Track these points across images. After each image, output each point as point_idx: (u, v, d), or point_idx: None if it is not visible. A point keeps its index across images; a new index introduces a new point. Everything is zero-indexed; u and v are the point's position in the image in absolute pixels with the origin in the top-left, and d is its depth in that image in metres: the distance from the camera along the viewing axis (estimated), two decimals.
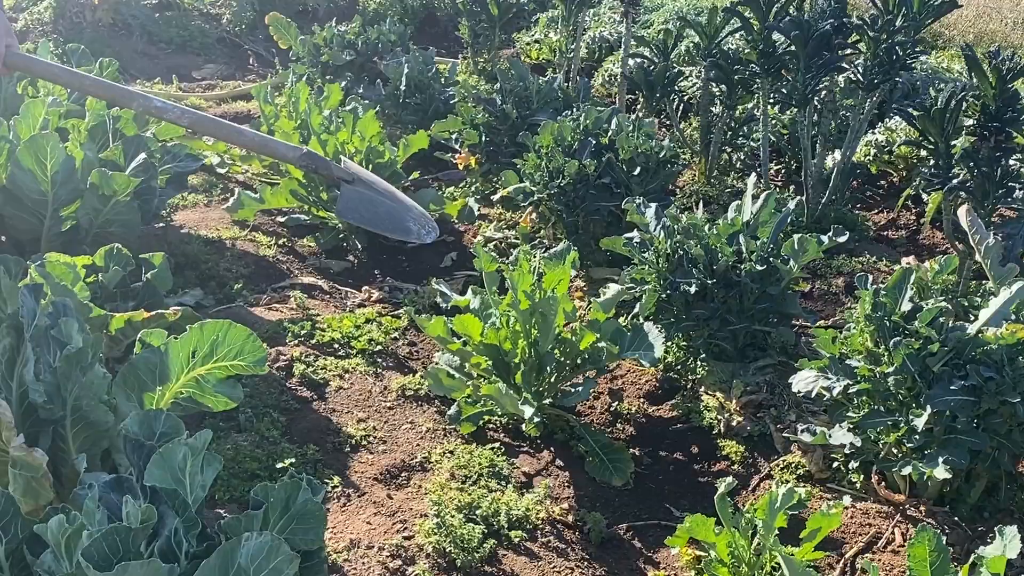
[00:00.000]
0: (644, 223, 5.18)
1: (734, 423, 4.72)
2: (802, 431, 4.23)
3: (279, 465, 4.20)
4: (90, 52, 7.11)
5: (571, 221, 5.95)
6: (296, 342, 5.18)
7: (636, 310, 5.28)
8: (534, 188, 6.03)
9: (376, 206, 6.01)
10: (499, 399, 4.51)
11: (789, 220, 5.10)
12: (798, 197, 5.02)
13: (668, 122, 8.33)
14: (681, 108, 8.16)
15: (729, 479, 3.69)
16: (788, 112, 6.54)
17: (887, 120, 7.75)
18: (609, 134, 6.05)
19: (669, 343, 5.08)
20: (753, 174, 5.12)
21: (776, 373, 4.97)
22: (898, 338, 3.94)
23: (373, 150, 6.74)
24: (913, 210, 7.68)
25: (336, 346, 5.22)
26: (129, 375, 3.68)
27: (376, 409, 4.78)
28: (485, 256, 4.95)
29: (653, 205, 5.26)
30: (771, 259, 4.83)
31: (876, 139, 7.84)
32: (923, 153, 7.86)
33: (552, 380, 4.80)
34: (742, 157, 7.82)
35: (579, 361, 4.89)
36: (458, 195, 7.34)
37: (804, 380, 4.26)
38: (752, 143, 8.03)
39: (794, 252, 4.77)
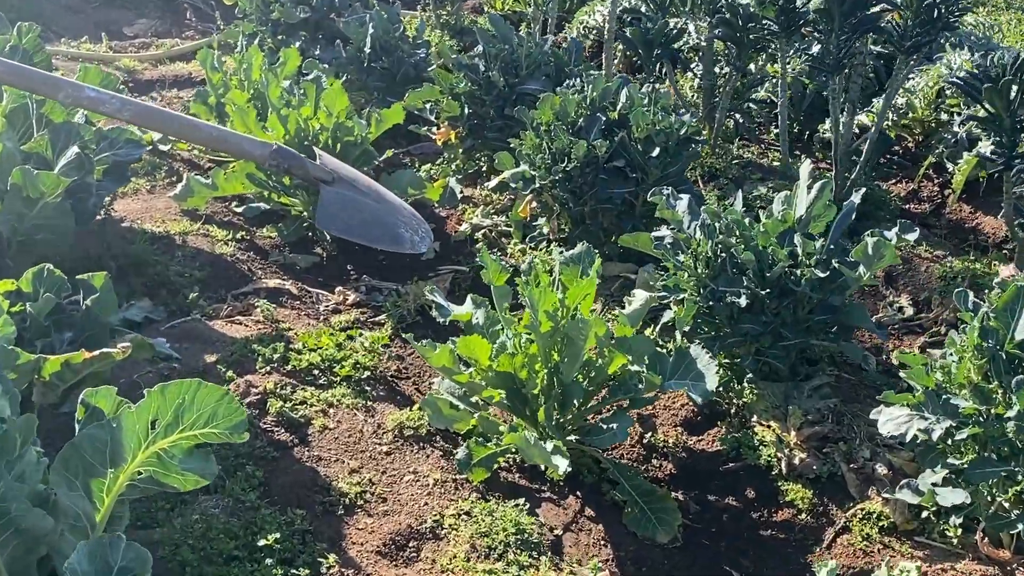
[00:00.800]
0: (676, 219, 4.41)
1: (796, 461, 4.00)
2: (901, 487, 3.53)
3: (260, 543, 3.40)
4: (9, 4, 6.10)
5: (578, 211, 5.15)
6: (268, 368, 4.35)
7: (664, 321, 4.53)
8: (535, 173, 5.21)
9: (360, 210, 5.10)
10: (526, 450, 3.74)
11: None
12: (862, 189, 4.29)
13: (653, 82, 7.53)
14: (677, 69, 7.36)
15: (831, 565, 2.97)
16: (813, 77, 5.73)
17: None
18: (619, 108, 5.24)
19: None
20: (807, 161, 4.35)
21: (838, 397, 4.26)
22: (1021, 376, 3.23)
23: (341, 127, 5.86)
24: (936, 180, 7.00)
25: (316, 372, 4.40)
26: (72, 458, 2.88)
27: (370, 455, 3.98)
28: (494, 266, 4.15)
29: (685, 197, 4.49)
30: (835, 263, 4.09)
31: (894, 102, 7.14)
32: (944, 117, 7.19)
33: (576, 411, 4.04)
34: (739, 120, 7.04)
35: (606, 388, 4.15)
36: (436, 174, 6.49)
37: (894, 420, 3.54)
38: (752, 105, 7.27)
39: (867, 257, 4.03)
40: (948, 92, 7.25)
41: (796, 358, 4.35)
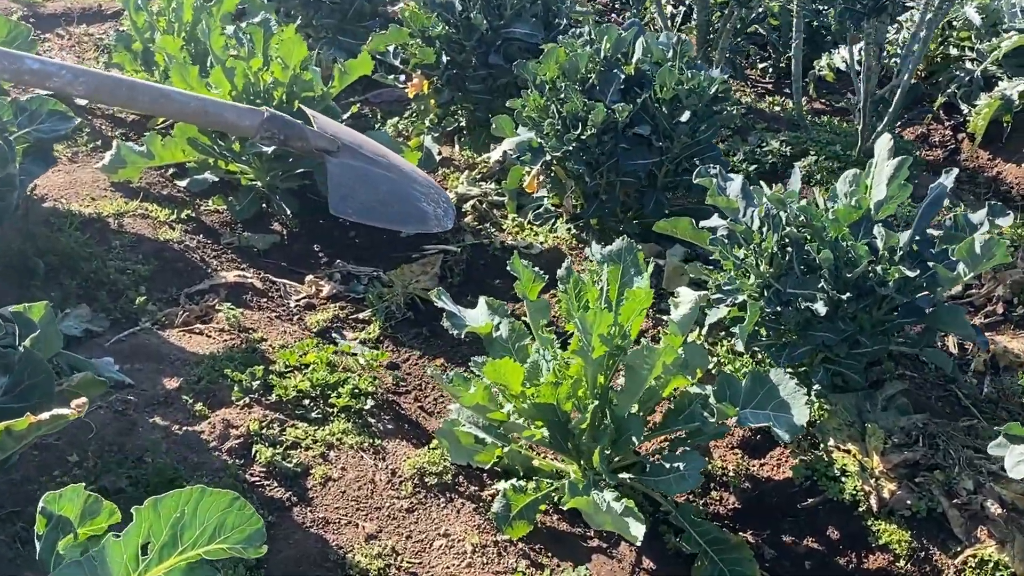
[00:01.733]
0: (731, 207, 3.72)
1: (886, 494, 3.41)
2: None
3: None
4: None
5: (593, 185, 4.42)
6: (247, 400, 3.57)
7: (710, 322, 3.88)
8: (541, 141, 4.44)
9: (376, 185, 4.16)
10: (594, 516, 3.06)
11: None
12: (954, 171, 3.64)
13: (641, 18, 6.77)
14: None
15: None
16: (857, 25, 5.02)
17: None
18: (634, 61, 4.48)
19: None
20: (885, 134, 3.67)
21: (923, 412, 3.67)
22: None
23: (299, 80, 4.99)
24: (946, 123, 6.42)
25: (307, 402, 3.64)
26: None
27: (389, 513, 3.27)
28: (526, 274, 3.43)
29: (737, 179, 3.80)
30: (929, 263, 3.46)
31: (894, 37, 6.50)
32: (953, 52, 6.59)
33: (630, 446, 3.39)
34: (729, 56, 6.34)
35: (658, 412, 3.51)
36: (406, 131, 5.68)
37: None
38: (745, 42, 6.58)
39: (972, 256, 3.39)
40: (956, 24, 6.65)
41: (867, 364, 3.74)
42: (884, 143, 3.64)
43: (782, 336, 3.66)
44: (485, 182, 5.18)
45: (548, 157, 4.33)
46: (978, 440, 3.60)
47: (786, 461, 3.65)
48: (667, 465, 3.27)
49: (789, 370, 3.73)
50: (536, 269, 3.46)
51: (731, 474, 3.63)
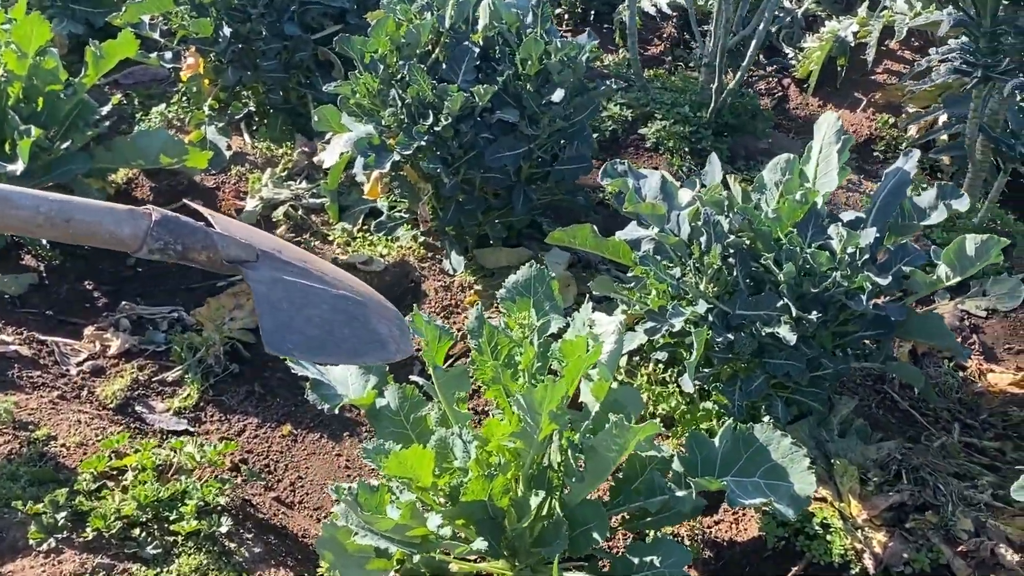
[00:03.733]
0: (656, 214, 3.00)
1: (877, 548, 2.85)
2: None
3: None
4: None
5: (453, 186, 3.58)
6: (52, 544, 2.54)
7: (627, 349, 3.19)
8: (385, 136, 3.55)
9: (317, 303, 2.81)
10: None
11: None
12: (915, 152, 3.06)
13: None
14: None
15: None
16: None
17: None
18: (481, 29, 3.65)
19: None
20: (830, 112, 3.04)
21: (892, 436, 3.14)
22: None
23: (40, 72, 3.83)
24: (768, 67, 5.96)
25: (139, 533, 2.64)
26: None
27: None
28: (430, 332, 2.60)
29: (653, 176, 3.10)
30: (905, 268, 2.89)
31: None
32: None
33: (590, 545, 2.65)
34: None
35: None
36: (183, 120, 4.60)
37: None
38: None
39: (960, 258, 2.84)
40: None
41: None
42: (830, 121, 3.04)
43: (731, 367, 3.01)
44: (294, 181, 4.22)
45: (399, 158, 3.44)
46: (955, 461, 3.11)
47: (745, 515, 3.02)
48: (635, 560, 2.56)
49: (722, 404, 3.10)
50: (439, 323, 2.62)
51: (685, 540, 2.97)
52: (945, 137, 4.74)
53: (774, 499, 2.49)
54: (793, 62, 5.76)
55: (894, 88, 5.25)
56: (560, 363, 2.61)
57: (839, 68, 5.50)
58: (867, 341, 3.05)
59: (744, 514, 3.02)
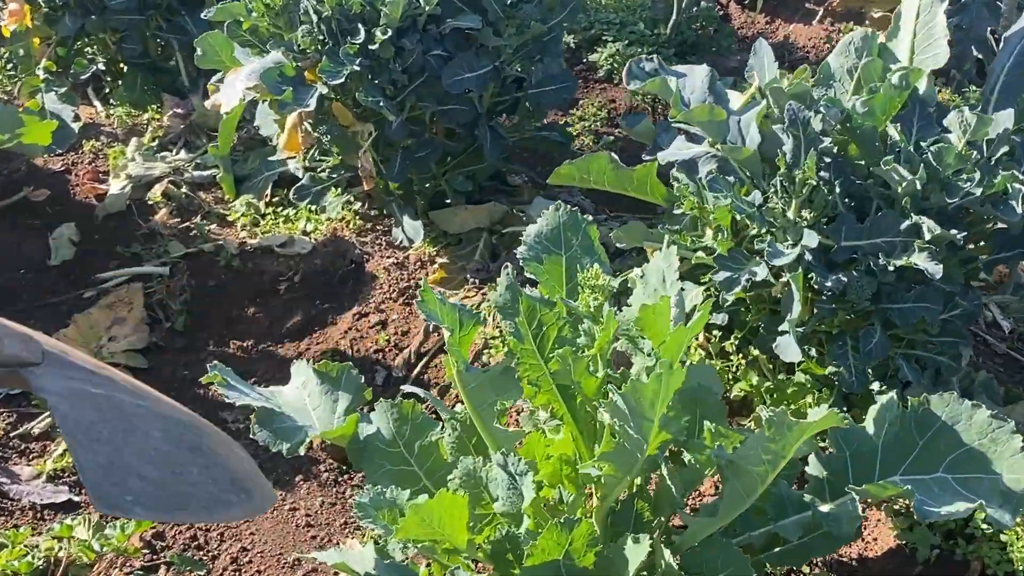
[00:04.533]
0: (715, 119, 2.16)
1: None
2: None
3: None
4: None
5: (399, 126, 2.66)
6: None
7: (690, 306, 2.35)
8: (301, 65, 2.61)
9: (147, 430, 1.65)
10: None
11: None
12: None
13: None
14: None
15: None
16: None
17: None
18: None
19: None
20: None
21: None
22: None
23: None
24: None
25: None
26: None
27: None
28: (448, 315, 1.70)
29: (698, 71, 2.27)
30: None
31: None
32: None
33: None
34: None
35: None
36: (13, 89, 3.56)
37: None
38: None
39: None
40: None
41: None
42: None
43: (836, 322, 2.19)
44: (169, 152, 3.24)
45: (324, 90, 2.51)
46: None
47: (868, 520, 2.22)
48: None
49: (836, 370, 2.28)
50: (459, 304, 1.73)
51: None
52: None
53: (986, 503, 1.69)
54: None
55: None
56: (634, 342, 1.77)
57: None
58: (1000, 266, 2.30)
59: (866, 517, 2.22)
